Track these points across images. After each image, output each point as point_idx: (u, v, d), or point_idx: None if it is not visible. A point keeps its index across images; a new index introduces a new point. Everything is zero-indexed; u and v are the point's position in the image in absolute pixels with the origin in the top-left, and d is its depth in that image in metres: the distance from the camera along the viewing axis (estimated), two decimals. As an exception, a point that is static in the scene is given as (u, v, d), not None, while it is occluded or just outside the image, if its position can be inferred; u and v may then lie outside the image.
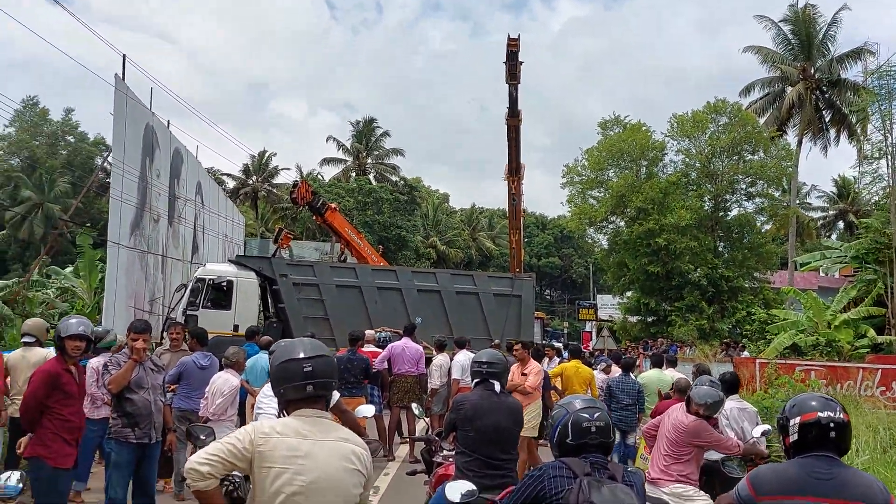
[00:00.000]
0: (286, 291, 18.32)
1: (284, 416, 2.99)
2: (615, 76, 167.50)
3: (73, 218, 42.45)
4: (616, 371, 12.04)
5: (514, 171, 22.66)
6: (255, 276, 18.25)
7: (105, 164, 33.80)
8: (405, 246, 53.68)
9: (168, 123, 25.40)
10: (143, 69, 26.56)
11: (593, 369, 13.61)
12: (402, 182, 59.68)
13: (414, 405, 8.04)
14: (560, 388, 10.99)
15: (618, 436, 10.88)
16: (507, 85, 21.15)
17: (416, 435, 11.41)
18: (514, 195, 22.82)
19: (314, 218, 23.76)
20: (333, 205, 22.12)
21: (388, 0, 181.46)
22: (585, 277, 78.85)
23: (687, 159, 32.25)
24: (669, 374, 10.86)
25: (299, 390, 2.92)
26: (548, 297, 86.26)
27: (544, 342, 21.80)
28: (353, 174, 57.89)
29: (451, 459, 5.48)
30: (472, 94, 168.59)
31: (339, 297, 18.74)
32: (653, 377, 10.84)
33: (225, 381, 7.86)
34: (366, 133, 59.59)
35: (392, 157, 60.41)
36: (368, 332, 11.67)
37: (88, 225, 32.29)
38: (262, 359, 10.04)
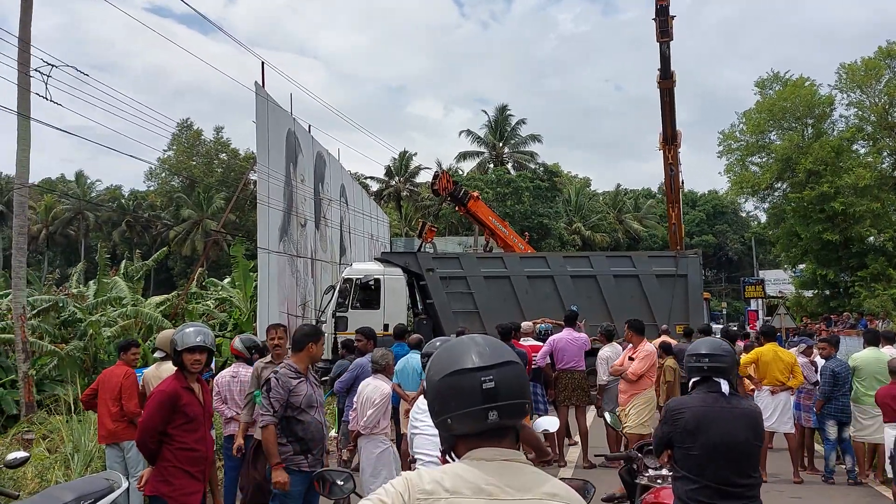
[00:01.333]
0: (434, 286, 17.59)
1: (451, 458, 1.88)
2: (755, 42, 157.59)
3: (227, 231, 44.13)
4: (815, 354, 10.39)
5: (671, 138, 20.75)
6: (401, 273, 17.64)
7: (252, 173, 34.64)
8: (548, 234, 52.29)
9: (309, 128, 25.47)
10: (282, 71, 26.66)
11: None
12: (540, 169, 58.26)
13: (607, 414, 6.83)
14: (755, 376, 9.50)
15: (834, 429, 9.29)
16: (658, 43, 19.27)
17: (587, 436, 10.25)
18: (672, 164, 20.96)
19: (457, 209, 22.95)
20: (475, 193, 21.20)
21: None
22: (742, 254, 74.33)
23: (860, 112, 28.96)
24: (888, 353, 9.18)
25: (477, 420, 1.81)
26: (703, 277, 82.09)
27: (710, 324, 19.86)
28: (491, 165, 57.09)
29: (661, 482, 4.26)
30: (605, 74, 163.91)
31: (489, 289, 17.80)
32: (869, 358, 9.13)
33: (375, 389, 7.01)
34: (500, 122, 58.57)
35: (529, 144, 59.10)
36: (525, 324, 10.62)
37: (242, 236, 33.16)
38: (412, 359, 9.23)
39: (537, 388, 10.05)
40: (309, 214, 23.98)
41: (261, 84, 20.57)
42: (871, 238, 27.40)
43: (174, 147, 61.69)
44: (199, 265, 23.94)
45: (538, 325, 11.91)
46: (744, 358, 9.61)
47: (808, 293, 31.59)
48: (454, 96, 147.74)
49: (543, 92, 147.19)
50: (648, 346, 9.34)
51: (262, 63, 21.44)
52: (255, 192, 32.08)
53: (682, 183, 21.68)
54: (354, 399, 7.07)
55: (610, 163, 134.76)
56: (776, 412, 9.20)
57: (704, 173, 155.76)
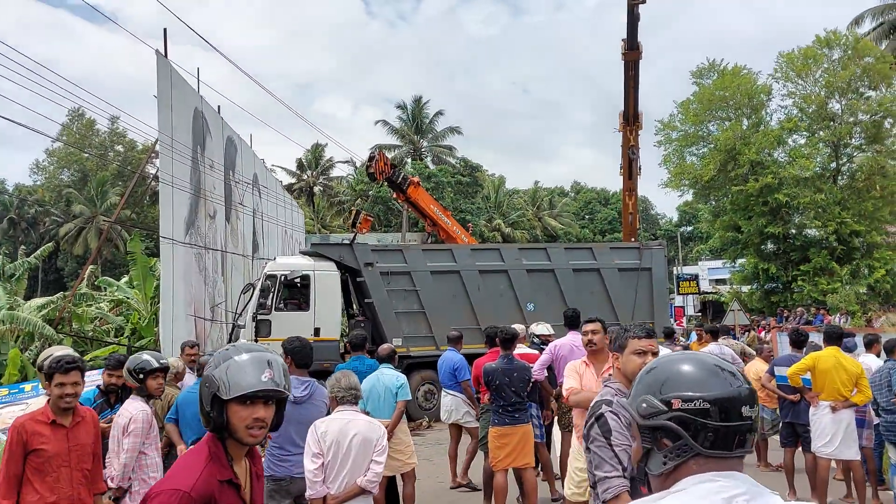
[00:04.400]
0: (373, 282, 15.12)
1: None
2: (658, 46, 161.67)
3: (123, 226, 40.25)
4: (864, 354, 8.61)
5: (633, 118, 18.96)
6: (335, 268, 15.09)
7: (153, 160, 31.27)
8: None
9: (219, 109, 22.61)
10: (188, 24, 23.70)
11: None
12: (461, 163, 56.35)
13: None
14: (814, 387, 7.55)
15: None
16: (629, 5, 17.35)
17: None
18: (633, 147, 19.14)
19: (394, 196, 20.54)
20: (416, 178, 18.84)
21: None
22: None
23: (798, 103, 28.10)
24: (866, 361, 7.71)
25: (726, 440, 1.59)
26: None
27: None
28: (409, 160, 54.83)
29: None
30: (512, 77, 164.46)
31: (436, 286, 15.48)
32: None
33: (354, 429, 4.68)
34: (416, 115, 56.33)
35: (448, 138, 57.14)
36: (517, 327, 8.41)
37: (140, 230, 29.79)
38: (385, 376, 6.89)
39: (532, 408, 7.85)
40: (218, 204, 21.13)
41: (163, 54, 17.76)
42: (813, 231, 26.50)
43: (64, 136, 56.71)
44: (89, 262, 20.74)
45: (537, 329, 9.67)
46: (797, 365, 7.65)
47: (745, 288, 30.70)
48: (362, 95, 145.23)
49: (453, 93, 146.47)
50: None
51: (165, 30, 18.84)
52: (155, 187, 28.94)
53: (640, 169, 19.93)
54: (308, 439, 4.67)
55: (520, 163, 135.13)
56: (839, 435, 7.30)
57: (607, 173, 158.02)
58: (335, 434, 4.67)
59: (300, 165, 58.57)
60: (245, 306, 14.89)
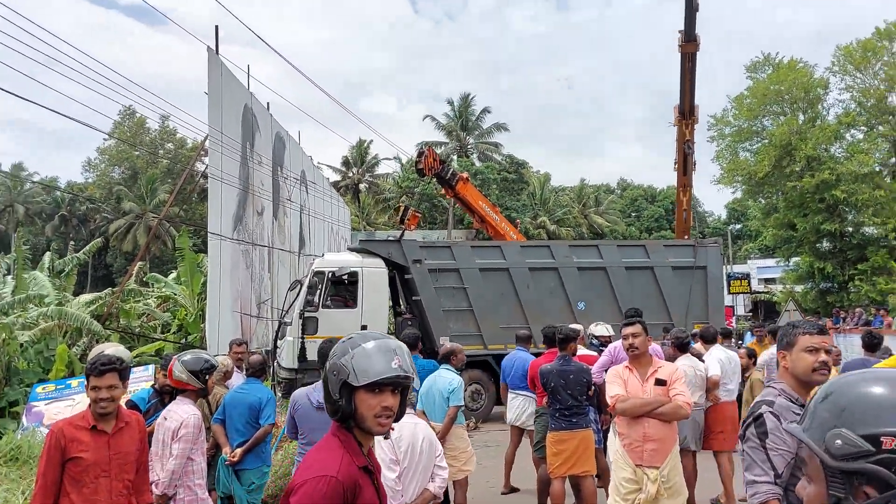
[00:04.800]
0: (421, 280, 14.89)
1: None
2: (710, 39, 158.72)
3: (172, 223, 40.73)
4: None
5: (688, 112, 18.42)
6: (383, 265, 14.90)
7: (202, 158, 31.56)
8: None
9: (268, 105, 22.63)
10: (241, 20, 23.81)
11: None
12: (507, 160, 55.96)
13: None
14: None
15: None
16: None
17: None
18: (689, 142, 18.60)
19: (444, 192, 20.29)
20: (465, 174, 18.55)
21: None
22: (706, 248, 73.60)
23: (857, 97, 27.17)
24: None
25: None
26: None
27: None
28: (455, 157, 54.61)
29: None
30: (559, 73, 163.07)
31: (484, 283, 15.19)
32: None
33: (418, 431, 4.45)
34: (463, 112, 56.08)
35: (494, 135, 56.77)
36: (575, 327, 8.09)
37: (189, 226, 30.04)
38: (442, 378, 6.65)
39: (590, 412, 7.51)
40: (266, 201, 21.14)
41: (214, 51, 17.80)
42: (871, 229, 25.60)
43: (115, 135, 57.71)
44: (138, 259, 20.91)
45: (596, 329, 9.28)
46: (884, 364, 7.22)
47: (798, 288, 29.83)
48: (409, 93, 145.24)
49: (500, 90, 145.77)
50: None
51: (216, 27, 18.60)
52: (204, 184, 29.17)
53: (694, 165, 19.35)
54: (385, 449, 4.41)
55: (566, 160, 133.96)
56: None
57: (656, 170, 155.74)
58: (409, 438, 4.45)
59: (346, 163, 58.79)
60: (292, 303, 14.79)
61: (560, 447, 6.83)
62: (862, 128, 27.24)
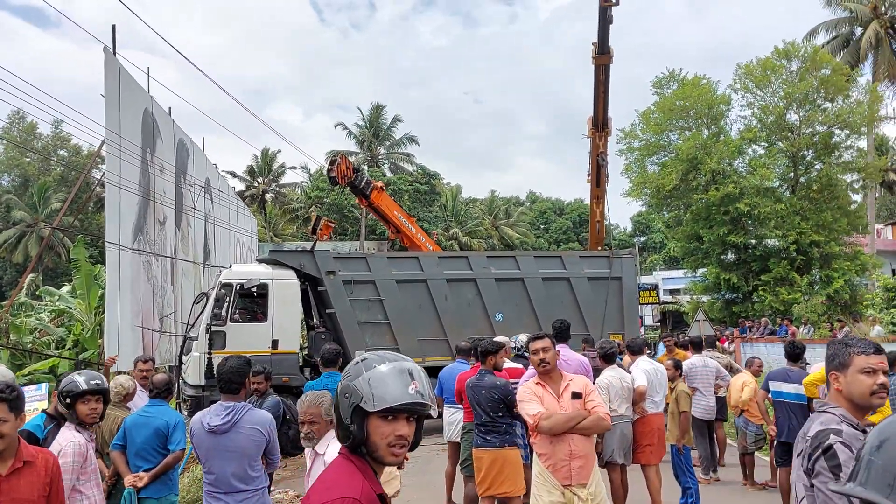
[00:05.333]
0: (335, 292, 14.36)
1: None
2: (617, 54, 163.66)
3: (66, 232, 38.63)
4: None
5: (602, 124, 18.49)
6: (294, 276, 14.28)
7: (99, 165, 30.01)
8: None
9: (170, 111, 21.65)
10: (141, 18, 22.72)
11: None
12: (419, 171, 55.75)
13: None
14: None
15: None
16: (600, 7, 16.80)
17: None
18: (602, 154, 18.67)
19: (358, 201, 19.76)
20: (380, 183, 18.10)
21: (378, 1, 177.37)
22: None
23: (757, 113, 28.14)
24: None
25: None
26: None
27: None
28: (365, 167, 54.06)
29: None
30: (465, 87, 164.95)
31: (401, 295, 14.79)
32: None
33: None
34: (374, 122, 55.62)
35: (405, 146, 56.49)
36: (501, 339, 7.76)
37: (84, 236, 28.42)
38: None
39: (514, 427, 7.13)
40: (169, 209, 20.15)
41: (112, 51, 16.87)
42: (773, 241, 26.50)
43: (2, 142, 54.61)
44: (28, 270, 19.52)
45: (513, 339, 8.97)
46: (814, 375, 7.17)
47: (704, 298, 30.62)
48: (315, 102, 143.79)
49: (407, 102, 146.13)
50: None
51: (113, 26, 17.67)
52: (101, 193, 27.62)
53: (607, 177, 19.50)
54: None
55: (475, 172, 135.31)
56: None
57: (561, 183, 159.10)
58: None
59: (251, 172, 57.35)
60: (198, 317, 13.98)
61: (476, 464, 6.53)
62: (763, 143, 28.20)
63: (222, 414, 4.73)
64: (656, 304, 33.94)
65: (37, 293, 24.55)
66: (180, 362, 14.28)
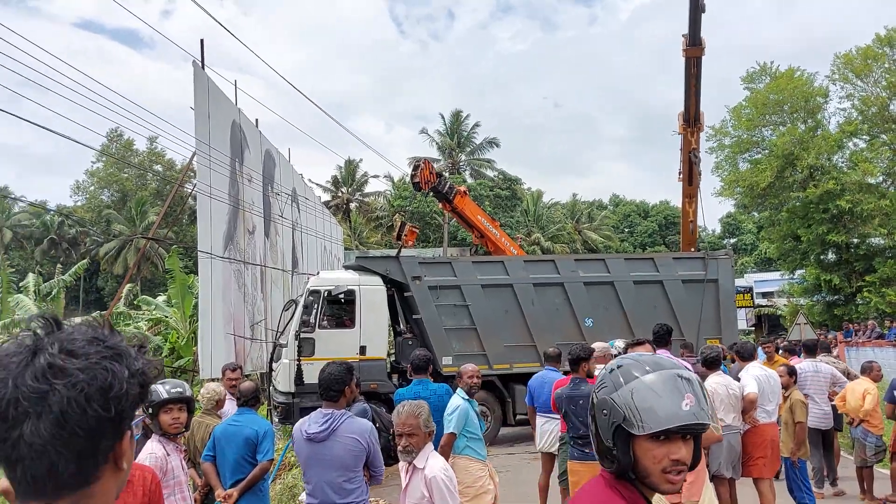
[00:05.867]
0: (422, 298, 14.23)
1: None
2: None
3: (161, 244, 39.95)
4: None
5: (694, 119, 17.80)
6: (381, 282, 14.22)
7: (191, 178, 30.92)
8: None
9: (257, 122, 22.06)
10: (228, 30, 23.30)
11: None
12: (499, 176, 55.47)
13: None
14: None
15: None
16: None
17: None
18: (695, 150, 17.98)
19: (441, 206, 19.63)
20: (463, 188, 17.91)
21: (456, 7, 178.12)
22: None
23: (858, 105, 26.72)
24: None
25: None
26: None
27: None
28: (447, 174, 54.20)
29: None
30: (543, 92, 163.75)
31: (487, 301, 14.53)
32: None
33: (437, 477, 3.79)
34: (454, 128, 55.68)
35: (486, 151, 56.34)
36: (599, 345, 7.39)
37: (179, 247, 29.31)
38: (454, 403, 5.98)
39: None
40: (258, 217, 20.48)
41: (200, 65, 17.26)
42: (878, 239, 25.08)
43: (103, 159, 57.05)
44: (126, 280, 20.17)
45: (610, 345, 8.57)
46: None
47: (803, 301, 29.25)
48: (396, 114, 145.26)
49: (486, 110, 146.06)
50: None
51: (202, 41, 18.09)
52: (193, 205, 28.47)
53: (700, 174, 18.76)
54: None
55: (555, 178, 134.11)
56: None
57: (643, 187, 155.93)
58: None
59: (335, 182, 58.22)
60: (287, 324, 14.08)
61: (573, 478, 6.17)
62: (864, 136, 26.76)
63: (321, 421, 4.59)
64: (750, 307, 32.57)
65: (134, 302, 25.38)
66: (270, 369, 14.40)
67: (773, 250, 30.79)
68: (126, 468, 1.26)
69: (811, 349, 9.56)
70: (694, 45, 16.85)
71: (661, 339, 7.30)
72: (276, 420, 13.47)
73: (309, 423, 4.67)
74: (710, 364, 7.15)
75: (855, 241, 25.80)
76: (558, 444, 7.46)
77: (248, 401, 5.81)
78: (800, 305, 28.12)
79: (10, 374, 1.13)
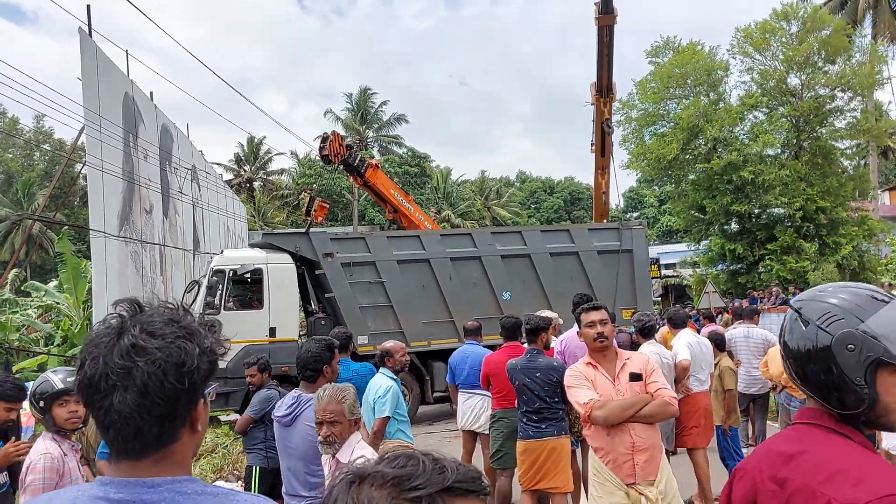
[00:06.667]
0: (334, 275, 13.58)
1: None
2: (587, 40, 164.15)
3: (52, 227, 37.65)
4: None
5: (607, 89, 17.63)
6: (290, 260, 13.49)
7: (80, 156, 29.13)
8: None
9: (151, 95, 20.78)
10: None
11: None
12: (409, 154, 54.85)
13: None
14: None
15: None
16: None
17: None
18: (607, 121, 17.82)
19: (351, 180, 18.92)
20: (374, 160, 17.28)
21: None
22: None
23: (760, 78, 27.34)
24: None
25: None
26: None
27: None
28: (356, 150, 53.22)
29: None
30: (449, 70, 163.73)
31: (403, 277, 14.00)
32: None
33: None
34: (361, 105, 54.63)
35: (394, 127, 55.59)
36: (550, 315, 6.95)
37: (70, 228, 27.52)
38: (373, 384, 5.51)
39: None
40: (155, 193, 19.33)
41: (87, 32, 16.02)
42: (779, 209, 25.82)
43: (-16, 136, 53.42)
44: (10, 265, 18.67)
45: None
46: None
47: (701, 270, 29.99)
48: (299, 91, 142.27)
49: (392, 87, 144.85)
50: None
51: (88, 6, 16.77)
52: (85, 185, 26.75)
53: (612, 145, 18.69)
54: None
55: (462, 154, 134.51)
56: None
57: (548, 163, 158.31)
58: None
59: (238, 160, 56.32)
60: (190, 306, 13.18)
61: (524, 457, 5.77)
62: (764, 109, 27.45)
63: (288, 404, 4.19)
64: (657, 278, 33.19)
65: (22, 289, 23.70)
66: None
67: (679, 222, 31.38)
68: (202, 430, 1.48)
69: (748, 315, 9.45)
70: (606, 13, 16.67)
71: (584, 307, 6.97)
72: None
73: (281, 405, 4.27)
74: (645, 332, 6.88)
75: (757, 210, 26.50)
76: (488, 421, 7.05)
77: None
78: (705, 275, 28.77)
79: (101, 353, 1.36)
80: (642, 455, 4.38)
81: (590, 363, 4.58)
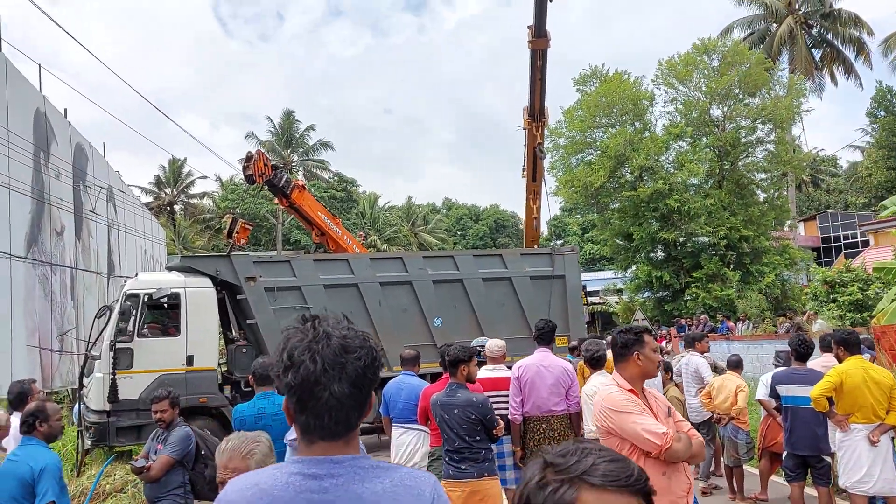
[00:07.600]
0: (256, 300, 12.89)
1: None
2: (511, 69, 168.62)
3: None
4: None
5: (538, 113, 17.49)
6: (210, 284, 12.74)
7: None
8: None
9: (66, 112, 19.78)
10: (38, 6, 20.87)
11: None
12: (335, 178, 54.12)
13: None
14: (837, 410, 6.17)
15: None
16: None
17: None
18: (540, 145, 17.67)
19: (277, 201, 18.19)
20: (300, 181, 16.65)
21: (285, 9, 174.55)
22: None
23: (684, 109, 27.94)
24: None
25: None
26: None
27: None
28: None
29: None
30: (374, 96, 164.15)
31: (330, 302, 13.38)
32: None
33: None
34: (286, 129, 53.74)
35: (320, 152, 54.83)
36: (494, 343, 6.50)
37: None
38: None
39: (494, 456, 5.89)
40: (67, 213, 18.28)
41: (-6, 42, 15.10)
42: (704, 238, 26.29)
43: None
44: None
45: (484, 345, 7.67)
46: (822, 384, 6.18)
47: (627, 297, 30.25)
48: (221, 114, 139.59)
49: (317, 112, 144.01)
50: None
51: (-3, 15, 15.87)
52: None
53: (544, 170, 18.58)
54: None
55: (388, 180, 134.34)
56: (877, 465, 5.94)
57: (472, 189, 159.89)
58: None
59: (158, 183, 54.52)
60: (101, 333, 12.30)
61: (449, 496, 5.27)
62: (688, 139, 28.02)
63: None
64: (585, 304, 33.34)
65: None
66: (81, 385, 12.56)
67: (604, 249, 31.64)
68: (367, 415, 1.76)
69: (689, 342, 9.24)
70: (540, 37, 16.57)
71: (545, 336, 6.65)
72: (90, 443, 11.73)
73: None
74: (593, 363, 6.53)
75: (682, 238, 26.90)
76: (425, 458, 6.54)
77: (30, 427, 4.49)
78: (631, 303, 28.99)
79: (318, 353, 1.67)
80: (690, 497, 3.88)
81: (632, 390, 4.00)
